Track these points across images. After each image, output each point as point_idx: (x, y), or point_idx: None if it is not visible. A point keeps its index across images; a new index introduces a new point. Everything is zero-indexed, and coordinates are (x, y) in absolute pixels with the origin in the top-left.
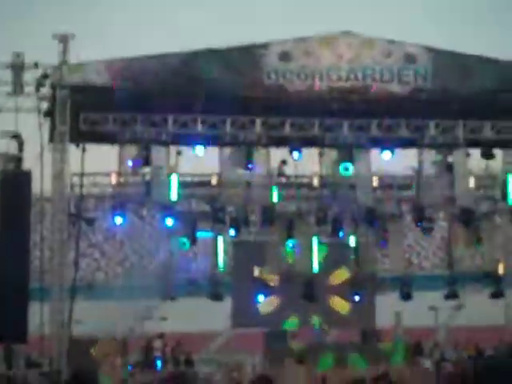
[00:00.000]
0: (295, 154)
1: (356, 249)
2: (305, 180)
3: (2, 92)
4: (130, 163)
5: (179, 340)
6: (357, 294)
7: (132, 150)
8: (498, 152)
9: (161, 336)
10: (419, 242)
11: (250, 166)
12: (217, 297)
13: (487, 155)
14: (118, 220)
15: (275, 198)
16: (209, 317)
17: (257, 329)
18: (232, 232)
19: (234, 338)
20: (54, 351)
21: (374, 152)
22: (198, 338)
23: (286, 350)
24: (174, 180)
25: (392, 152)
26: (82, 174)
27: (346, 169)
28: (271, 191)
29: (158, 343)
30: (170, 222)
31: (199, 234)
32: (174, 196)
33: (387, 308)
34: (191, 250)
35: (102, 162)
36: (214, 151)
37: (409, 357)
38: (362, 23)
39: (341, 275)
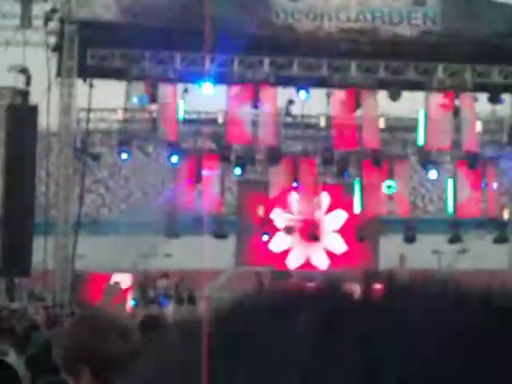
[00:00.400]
0: (302, 93)
1: (361, 190)
2: (312, 120)
3: (10, 25)
4: (134, 100)
5: (183, 277)
6: (360, 236)
7: (139, 87)
8: (505, 97)
9: (166, 275)
10: (424, 185)
11: (257, 104)
12: (221, 235)
13: (495, 100)
14: (124, 156)
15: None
16: (213, 255)
17: (261, 268)
18: (237, 171)
19: (238, 276)
20: (57, 285)
21: (382, 94)
22: (202, 275)
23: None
24: (181, 116)
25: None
26: (88, 110)
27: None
28: (278, 130)
29: (163, 282)
30: (175, 159)
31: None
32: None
33: (391, 250)
34: (196, 187)
35: (109, 98)
36: (221, 89)
37: None
38: None
39: (340, 216)
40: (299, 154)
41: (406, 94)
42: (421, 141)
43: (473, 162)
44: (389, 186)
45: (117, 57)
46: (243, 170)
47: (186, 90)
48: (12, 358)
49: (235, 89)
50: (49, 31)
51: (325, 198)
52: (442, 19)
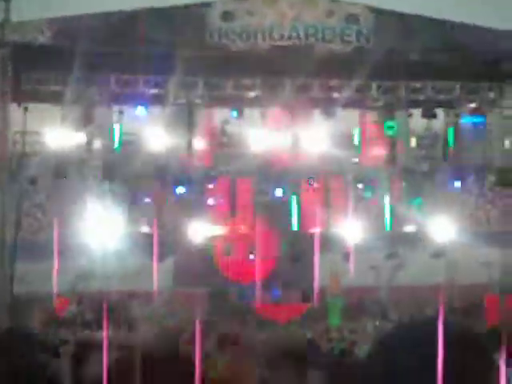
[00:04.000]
0: (235, 113)
1: (298, 207)
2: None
3: None
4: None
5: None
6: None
7: (75, 109)
8: (439, 112)
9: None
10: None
11: (192, 126)
12: (160, 257)
13: (428, 115)
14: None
15: None
16: (151, 276)
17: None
18: (178, 190)
19: (176, 297)
20: None
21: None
22: (141, 296)
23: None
24: (117, 130)
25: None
26: (23, 133)
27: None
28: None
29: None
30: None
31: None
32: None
33: (328, 268)
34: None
35: (45, 120)
36: (157, 110)
37: (346, 317)
38: None
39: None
40: (235, 173)
41: (340, 112)
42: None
43: (409, 177)
44: (327, 203)
45: (52, 80)
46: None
47: (121, 112)
48: None
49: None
50: None
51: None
52: (375, 36)
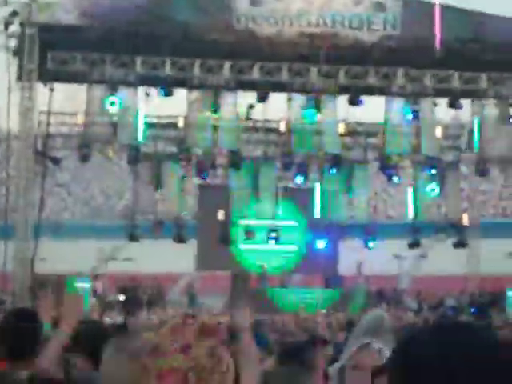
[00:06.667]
0: (263, 98)
1: (321, 195)
2: (272, 125)
3: None
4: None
5: (141, 281)
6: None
7: (100, 90)
8: (465, 102)
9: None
10: (386, 190)
11: (217, 109)
12: (181, 239)
13: (454, 105)
14: (85, 159)
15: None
16: (173, 259)
17: (222, 272)
18: (198, 175)
19: (198, 279)
20: (17, 288)
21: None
22: (163, 279)
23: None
24: (141, 121)
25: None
26: (49, 113)
27: (312, 115)
28: (238, 135)
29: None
30: (135, 163)
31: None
32: (140, 137)
33: (351, 255)
34: (157, 191)
35: (70, 101)
36: (182, 93)
37: (368, 305)
38: None
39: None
40: (259, 159)
41: (366, 99)
42: (381, 146)
43: (433, 166)
44: (351, 191)
45: (77, 60)
46: (204, 174)
47: (147, 94)
48: None
49: (195, 94)
50: (9, 34)
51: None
52: (402, 24)
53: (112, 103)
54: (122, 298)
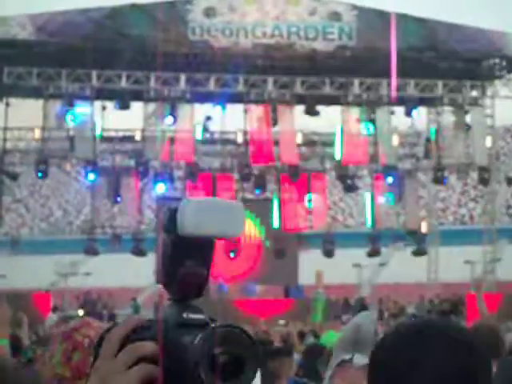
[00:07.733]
0: (219, 110)
1: (279, 205)
2: (230, 136)
3: None
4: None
5: (100, 296)
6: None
7: (56, 105)
8: (422, 110)
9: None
10: (344, 199)
11: (173, 121)
12: (140, 252)
13: (410, 113)
14: (41, 175)
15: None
16: (133, 272)
17: None
18: (157, 187)
19: (158, 293)
20: None
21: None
22: (122, 293)
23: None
24: (98, 127)
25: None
26: (5, 128)
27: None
28: (195, 147)
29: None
30: (92, 177)
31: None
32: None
33: (310, 265)
34: (115, 205)
35: (26, 117)
36: (138, 106)
37: (328, 315)
38: None
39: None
40: (217, 170)
41: (323, 109)
42: (338, 155)
43: (390, 175)
44: (309, 200)
45: (33, 75)
46: (162, 187)
47: (103, 108)
48: None
49: (152, 105)
50: None
51: None
52: (358, 34)
53: (69, 117)
54: (81, 312)
